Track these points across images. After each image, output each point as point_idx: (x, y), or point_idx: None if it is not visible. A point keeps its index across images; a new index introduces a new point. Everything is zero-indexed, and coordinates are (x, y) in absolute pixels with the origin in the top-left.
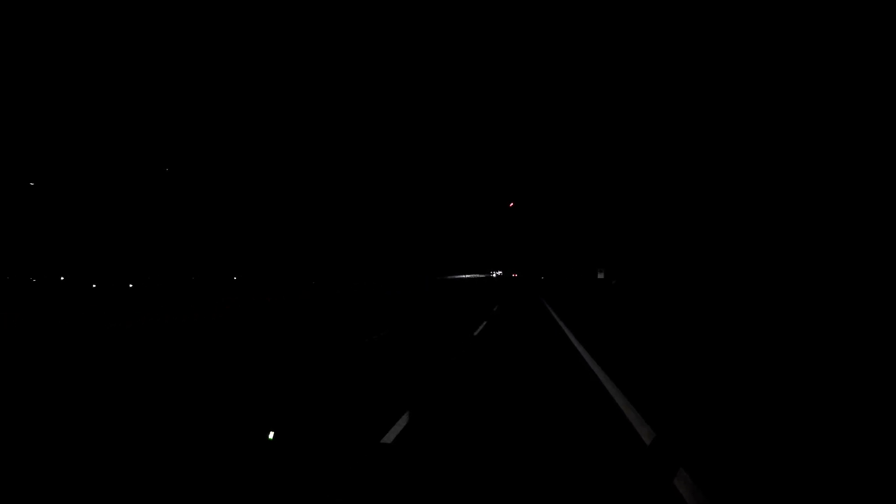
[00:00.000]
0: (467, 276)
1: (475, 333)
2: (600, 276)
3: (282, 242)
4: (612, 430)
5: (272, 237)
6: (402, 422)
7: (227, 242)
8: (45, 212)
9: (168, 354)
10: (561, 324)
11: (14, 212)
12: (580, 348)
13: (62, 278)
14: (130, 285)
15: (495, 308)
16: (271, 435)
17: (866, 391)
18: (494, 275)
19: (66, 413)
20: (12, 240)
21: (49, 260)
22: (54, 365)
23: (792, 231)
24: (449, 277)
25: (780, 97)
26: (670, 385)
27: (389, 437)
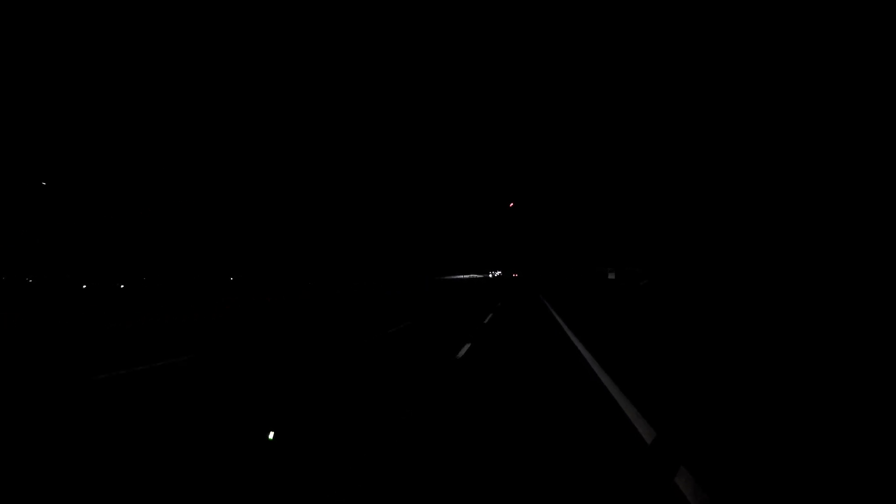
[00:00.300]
0: (465, 276)
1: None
2: (611, 276)
3: (282, 243)
4: (614, 428)
5: (272, 237)
6: (403, 423)
7: (228, 243)
8: (45, 212)
9: (168, 354)
10: (588, 355)
11: (12, 212)
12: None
13: (61, 279)
14: (122, 286)
15: (487, 319)
16: (271, 435)
17: (868, 390)
18: (492, 275)
19: (66, 413)
20: (10, 240)
21: (49, 261)
22: (54, 364)
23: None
24: (446, 278)
25: (785, 78)
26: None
27: (391, 440)
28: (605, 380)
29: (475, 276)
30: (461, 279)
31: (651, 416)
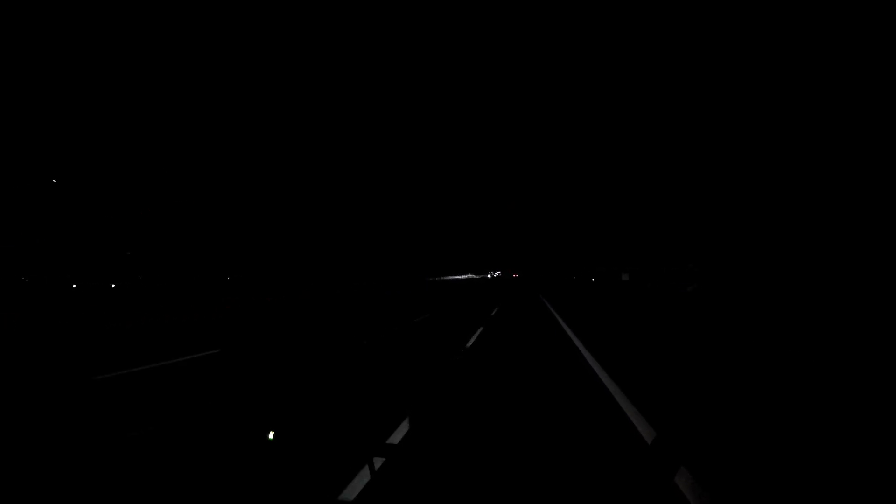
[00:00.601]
0: (462, 277)
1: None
2: (625, 278)
3: (282, 243)
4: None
5: (272, 237)
6: (404, 427)
7: (226, 243)
8: (46, 211)
9: (168, 354)
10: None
11: (13, 210)
12: None
13: (58, 279)
14: (113, 286)
15: (471, 341)
16: (271, 435)
17: (868, 390)
18: (491, 276)
19: (65, 412)
20: (8, 239)
21: (49, 261)
22: (54, 364)
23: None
24: (441, 279)
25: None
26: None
27: (395, 439)
28: (608, 381)
29: (473, 276)
30: (458, 280)
31: (651, 416)
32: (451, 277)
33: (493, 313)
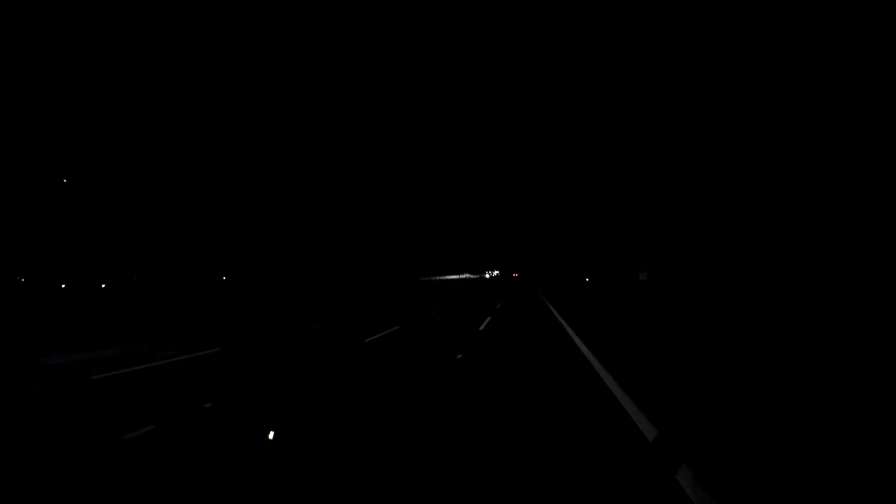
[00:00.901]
0: (459, 276)
1: None
2: (642, 277)
3: (282, 243)
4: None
5: (272, 238)
6: (403, 423)
7: (228, 243)
8: (45, 212)
9: (168, 353)
10: None
11: (11, 212)
12: None
13: (56, 278)
14: (102, 285)
15: (461, 354)
16: (271, 435)
17: (868, 389)
18: (489, 275)
19: (66, 411)
20: (7, 239)
21: (49, 261)
22: (53, 364)
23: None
24: (436, 279)
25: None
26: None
27: (393, 438)
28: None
29: (470, 276)
30: (454, 280)
31: (653, 414)
32: (447, 277)
33: (481, 327)
